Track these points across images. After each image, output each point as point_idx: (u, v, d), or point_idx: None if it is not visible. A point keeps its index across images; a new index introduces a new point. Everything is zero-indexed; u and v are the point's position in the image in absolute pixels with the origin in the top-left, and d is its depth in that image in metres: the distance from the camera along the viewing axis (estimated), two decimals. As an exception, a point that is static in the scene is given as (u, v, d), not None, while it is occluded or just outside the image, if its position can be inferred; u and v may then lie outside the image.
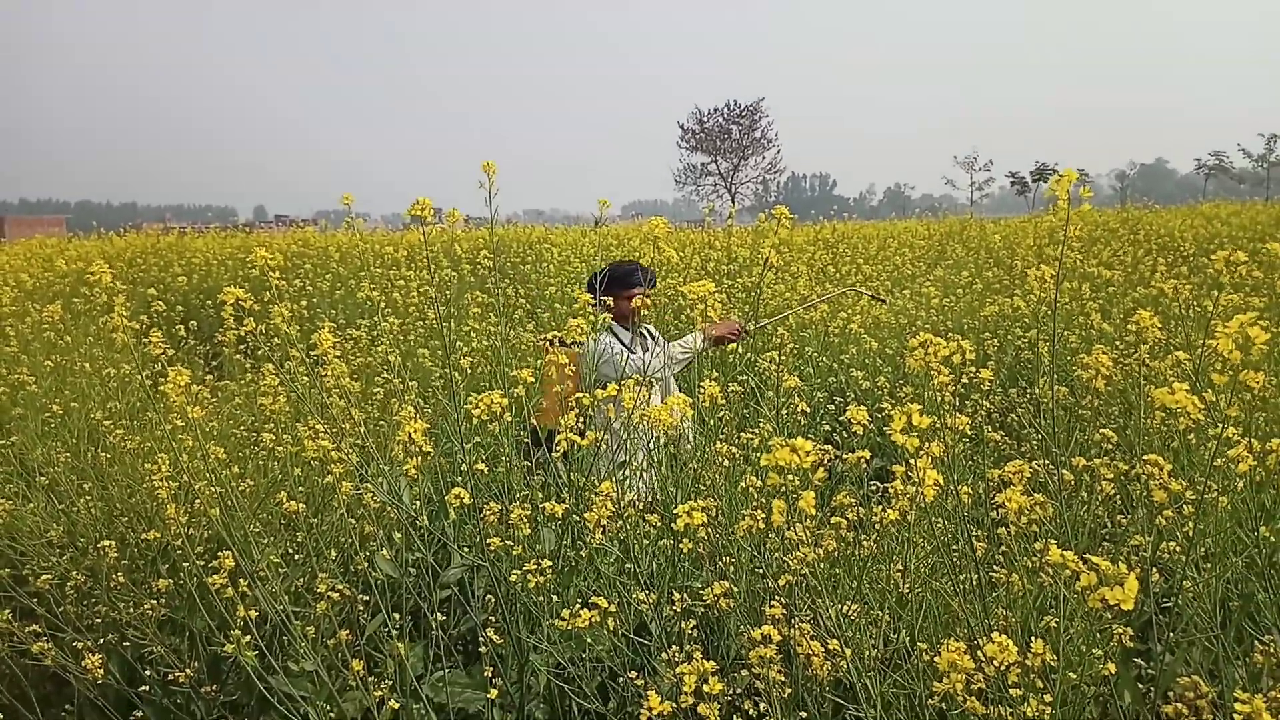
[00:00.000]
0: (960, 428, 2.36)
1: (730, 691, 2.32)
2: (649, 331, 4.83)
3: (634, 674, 2.40)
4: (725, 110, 61.14)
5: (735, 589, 2.34)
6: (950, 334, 7.22)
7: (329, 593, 2.54)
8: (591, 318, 2.87)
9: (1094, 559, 1.53)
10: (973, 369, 2.46)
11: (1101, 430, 2.34)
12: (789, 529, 1.63)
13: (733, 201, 59.51)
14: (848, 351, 7.03)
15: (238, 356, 6.33)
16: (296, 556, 3.45)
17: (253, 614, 2.37)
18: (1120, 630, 1.92)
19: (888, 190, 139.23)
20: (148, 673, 3.13)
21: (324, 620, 2.64)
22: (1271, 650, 2.12)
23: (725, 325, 4.67)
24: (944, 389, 2.27)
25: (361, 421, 2.82)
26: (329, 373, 2.45)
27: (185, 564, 2.86)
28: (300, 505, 3.03)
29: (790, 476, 1.42)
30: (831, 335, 7.38)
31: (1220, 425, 1.80)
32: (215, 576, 2.40)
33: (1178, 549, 2.21)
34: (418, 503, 3.34)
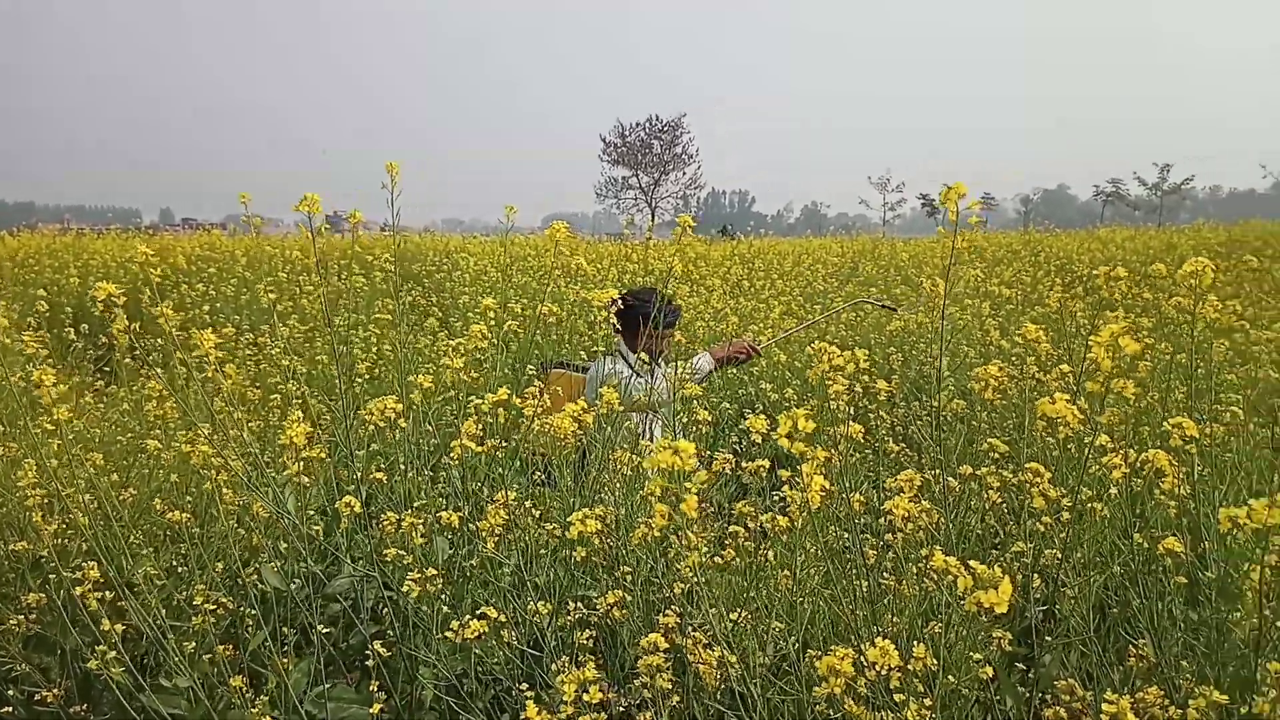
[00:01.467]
0: (854, 435, 2.39)
1: (623, 702, 2.29)
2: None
3: (525, 686, 2.35)
4: (647, 125, 61.56)
5: (629, 598, 2.31)
6: (856, 347, 7.36)
7: (206, 606, 2.43)
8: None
9: (974, 564, 1.55)
10: (868, 379, 2.50)
11: (990, 440, 2.39)
12: (675, 535, 1.61)
13: (653, 216, 59.89)
14: (758, 364, 7.10)
15: (128, 361, 6.06)
16: (180, 569, 3.30)
17: (121, 628, 2.25)
18: (1000, 635, 1.96)
19: (805, 208, 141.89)
20: (10, 692, 2.94)
21: (203, 635, 2.53)
22: (1144, 654, 2.19)
23: (734, 345, 4.45)
24: (839, 397, 2.30)
25: (246, 426, 2.71)
26: (212, 375, 2.35)
27: (53, 577, 2.70)
28: (185, 515, 2.90)
29: (675, 481, 1.41)
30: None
31: (1096, 434, 1.85)
32: (80, 589, 2.27)
33: (1058, 555, 2.27)
34: (310, 512, 3.24)
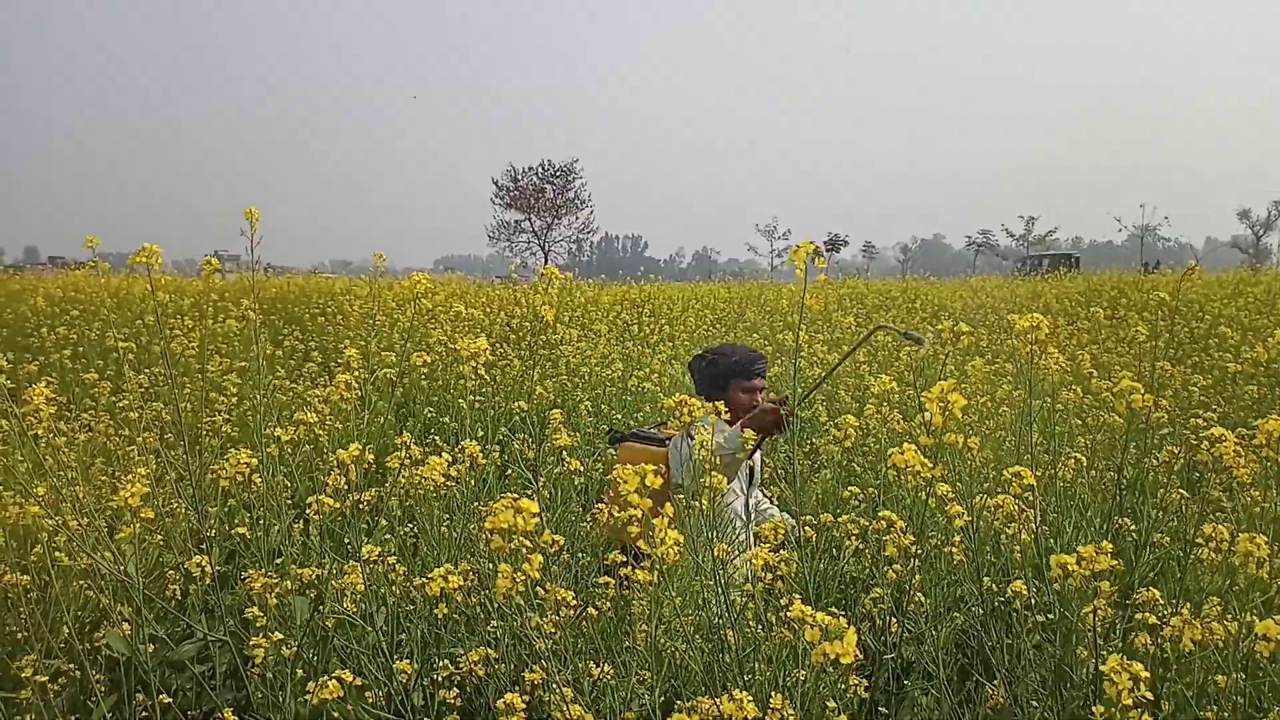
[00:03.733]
0: (719, 486, 2.42)
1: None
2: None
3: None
4: (540, 169, 61.86)
5: (494, 655, 2.27)
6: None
7: (38, 678, 2.27)
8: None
9: (819, 615, 1.58)
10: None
11: (849, 488, 2.46)
12: (533, 591, 1.59)
13: (546, 260, 59.98)
14: (642, 409, 7.15)
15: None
16: (20, 634, 3.07)
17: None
18: (856, 682, 2.00)
19: (696, 254, 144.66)
20: None
21: (35, 708, 2.35)
22: (996, 695, 2.27)
23: (761, 417, 3.12)
24: (706, 447, 2.33)
25: (91, 481, 2.56)
26: (43, 431, 2.21)
27: None
28: (22, 578, 2.71)
29: (519, 539, 1.39)
30: (628, 392, 7.49)
31: (932, 485, 1.92)
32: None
33: (915, 600, 2.34)
34: (170, 570, 3.08)
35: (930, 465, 2.01)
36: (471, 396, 4.04)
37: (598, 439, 6.40)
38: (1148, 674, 1.37)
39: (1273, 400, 5.85)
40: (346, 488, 2.69)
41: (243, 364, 6.03)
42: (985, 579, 2.31)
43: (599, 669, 2.09)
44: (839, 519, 2.44)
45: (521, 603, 1.52)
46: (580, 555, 3.11)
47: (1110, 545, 1.67)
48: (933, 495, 1.98)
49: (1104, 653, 2.01)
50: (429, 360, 2.88)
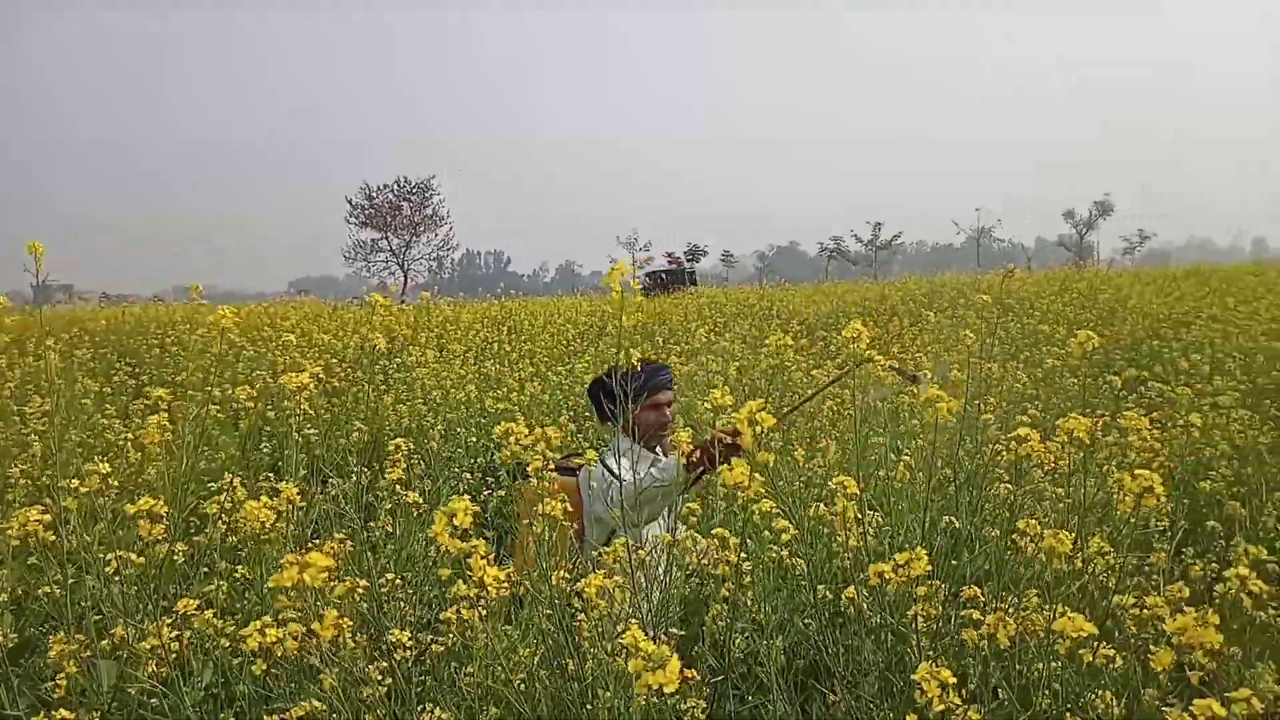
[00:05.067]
0: (554, 512, 2.38)
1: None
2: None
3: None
4: (395, 187, 60.40)
5: (320, 707, 2.14)
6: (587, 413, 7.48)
7: None
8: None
9: (645, 643, 1.56)
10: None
11: (689, 505, 2.46)
12: (339, 644, 1.50)
13: (405, 278, 58.61)
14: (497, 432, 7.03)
15: None
16: None
17: None
18: (693, 703, 1.98)
19: (559, 268, 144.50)
20: None
21: None
22: (835, 701, 2.30)
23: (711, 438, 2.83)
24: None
25: None
26: None
27: None
28: None
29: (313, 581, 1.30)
30: (485, 414, 7.36)
31: (759, 500, 1.93)
32: None
33: (756, 613, 2.35)
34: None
35: (759, 480, 2.02)
36: (309, 430, 3.85)
37: (454, 464, 6.26)
38: (954, 679, 1.40)
39: (1095, 390, 6.25)
40: (162, 538, 2.50)
41: (56, 405, 5.57)
42: (820, 587, 2.35)
43: (432, 713, 2.00)
44: (678, 538, 2.44)
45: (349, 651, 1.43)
46: (425, 590, 3.01)
47: (924, 552, 1.71)
48: (757, 510, 1.99)
49: (930, 653, 2.07)
50: (252, 394, 2.71)
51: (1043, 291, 14.75)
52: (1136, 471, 1.78)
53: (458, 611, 2.06)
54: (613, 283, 1.98)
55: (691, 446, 2.63)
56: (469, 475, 5.76)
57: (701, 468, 2.71)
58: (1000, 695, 2.18)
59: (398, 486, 2.86)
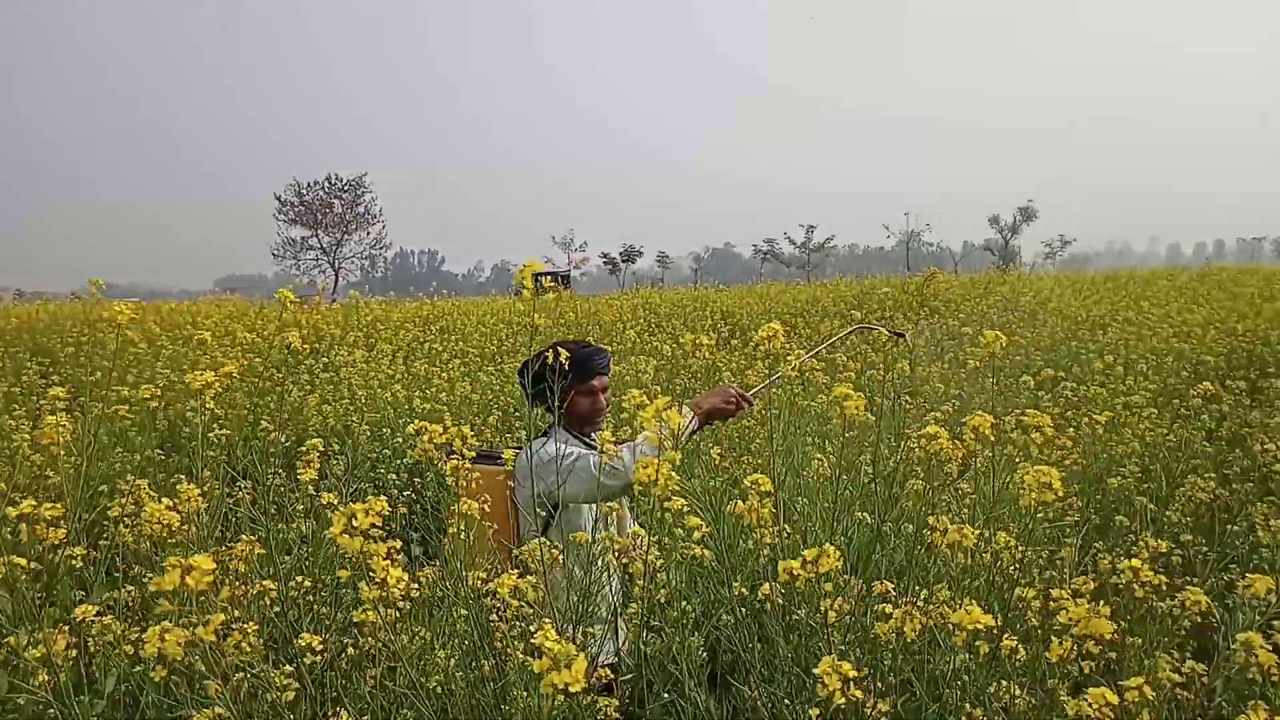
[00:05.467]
0: (471, 513, 2.35)
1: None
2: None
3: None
4: (326, 184, 59.24)
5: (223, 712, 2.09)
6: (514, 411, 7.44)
7: None
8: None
9: (551, 643, 1.54)
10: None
11: (609, 504, 2.45)
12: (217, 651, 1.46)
13: (337, 277, 57.53)
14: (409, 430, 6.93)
15: None
16: None
17: None
18: (605, 703, 1.98)
19: (494, 267, 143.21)
20: None
21: None
22: (750, 695, 2.31)
23: (719, 394, 3.10)
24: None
25: None
26: None
27: None
28: None
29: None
30: (413, 414, 7.26)
31: (671, 499, 1.93)
32: None
33: (672, 610, 2.35)
34: None
35: (674, 479, 2.02)
36: (221, 430, 3.74)
37: (381, 465, 6.15)
38: (859, 673, 1.41)
39: (1015, 390, 6.42)
40: (60, 542, 2.40)
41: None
42: (736, 584, 2.36)
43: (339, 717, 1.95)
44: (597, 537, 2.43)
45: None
46: (343, 593, 2.94)
47: (833, 548, 1.73)
48: (670, 510, 1.99)
49: (842, 648, 2.09)
50: (156, 393, 2.62)
51: (968, 294, 15.09)
52: (1035, 468, 1.82)
53: (369, 612, 2.02)
54: (525, 280, 1.96)
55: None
56: (394, 476, 5.67)
57: (709, 415, 2.95)
58: (913, 688, 2.21)
59: (310, 488, 2.79)
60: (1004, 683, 1.98)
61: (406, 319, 14.06)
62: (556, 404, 2.88)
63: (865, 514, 2.67)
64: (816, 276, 45.93)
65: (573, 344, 3.15)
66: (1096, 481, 4.41)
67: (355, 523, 1.40)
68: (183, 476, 4.02)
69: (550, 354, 2.89)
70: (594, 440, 3.17)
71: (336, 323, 12.32)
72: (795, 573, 1.69)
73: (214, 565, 1.25)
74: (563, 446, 2.94)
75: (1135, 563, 1.87)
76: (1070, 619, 1.59)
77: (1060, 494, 1.80)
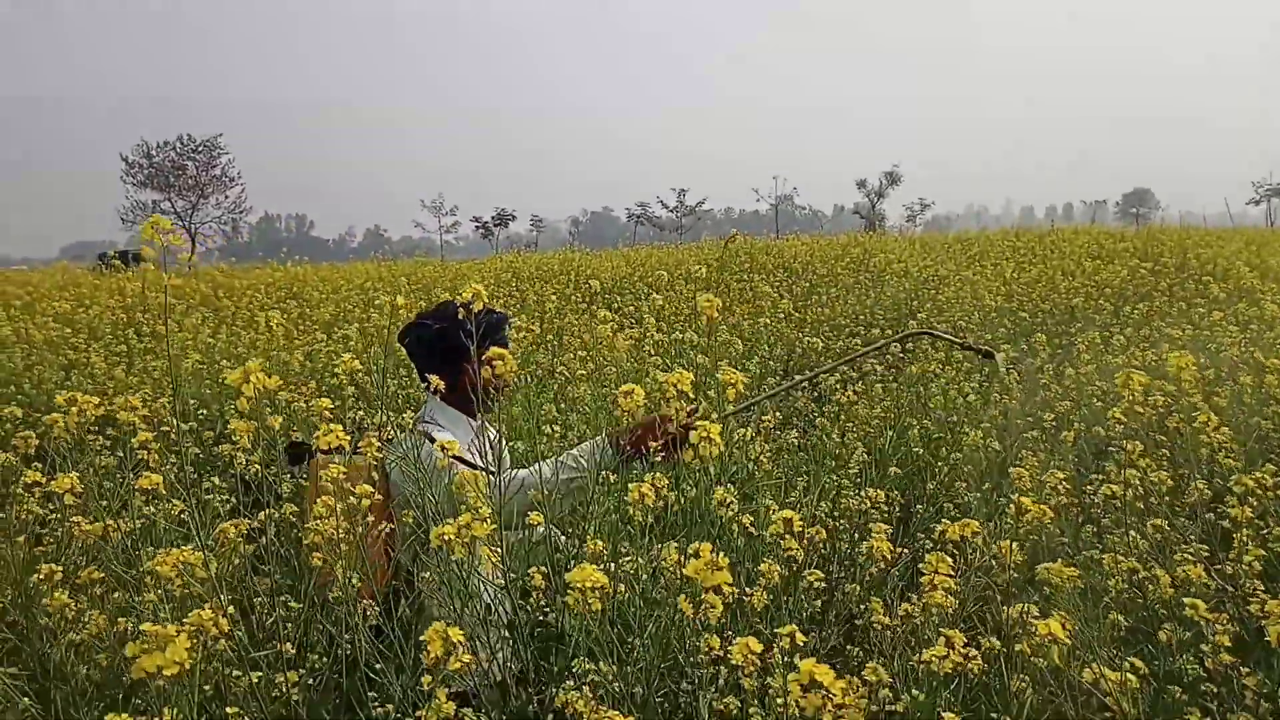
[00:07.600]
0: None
1: None
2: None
3: None
4: (178, 145, 55.85)
5: None
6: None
7: None
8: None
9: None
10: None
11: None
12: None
13: (194, 243, 54.56)
14: (231, 380, 6.59)
15: None
16: None
17: None
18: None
19: (368, 231, 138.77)
20: None
21: None
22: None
23: (645, 426, 2.44)
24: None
25: None
26: None
27: None
28: None
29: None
30: (231, 394, 6.89)
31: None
32: None
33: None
34: None
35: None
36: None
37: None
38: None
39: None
40: None
41: None
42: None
43: None
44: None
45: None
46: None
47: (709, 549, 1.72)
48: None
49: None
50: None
51: (826, 255, 15.42)
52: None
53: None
54: (153, 236, 1.63)
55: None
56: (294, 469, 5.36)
57: (639, 451, 2.40)
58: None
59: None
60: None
61: (251, 286, 13.33)
62: (464, 372, 2.55)
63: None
64: (691, 240, 46.38)
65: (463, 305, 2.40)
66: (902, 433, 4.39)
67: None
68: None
69: (461, 310, 2.29)
70: (484, 423, 2.60)
71: (173, 292, 11.63)
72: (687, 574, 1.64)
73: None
74: (478, 441, 2.48)
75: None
76: (690, 571, 1.61)
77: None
